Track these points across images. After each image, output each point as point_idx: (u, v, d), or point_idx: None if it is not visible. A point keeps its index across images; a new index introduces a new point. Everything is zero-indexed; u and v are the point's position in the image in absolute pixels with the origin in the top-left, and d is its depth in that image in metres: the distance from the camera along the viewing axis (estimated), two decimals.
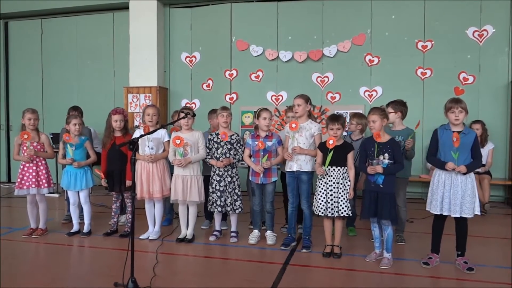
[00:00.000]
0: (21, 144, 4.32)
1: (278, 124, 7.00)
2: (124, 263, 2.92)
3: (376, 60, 6.75)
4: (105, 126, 4.45)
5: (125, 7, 7.53)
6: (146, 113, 4.25)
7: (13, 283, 3.10)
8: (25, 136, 4.19)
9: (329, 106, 6.87)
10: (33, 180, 4.27)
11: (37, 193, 4.32)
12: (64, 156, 4.37)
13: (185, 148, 4.06)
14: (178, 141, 3.99)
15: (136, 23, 7.38)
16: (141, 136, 3.50)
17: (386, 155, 3.44)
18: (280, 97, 7.14)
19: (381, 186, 3.44)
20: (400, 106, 4.06)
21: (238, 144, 4.22)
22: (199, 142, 4.18)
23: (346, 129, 4.46)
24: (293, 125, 3.84)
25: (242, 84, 7.31)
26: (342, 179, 3.64)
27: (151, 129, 4.09)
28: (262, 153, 4.04)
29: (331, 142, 3.59)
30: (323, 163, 3.68)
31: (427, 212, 3.51)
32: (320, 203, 3.67)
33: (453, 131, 3.28)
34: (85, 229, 4.44)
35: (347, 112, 6.52)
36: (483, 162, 5.76)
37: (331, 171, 3.65)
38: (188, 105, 7.32)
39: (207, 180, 4.30)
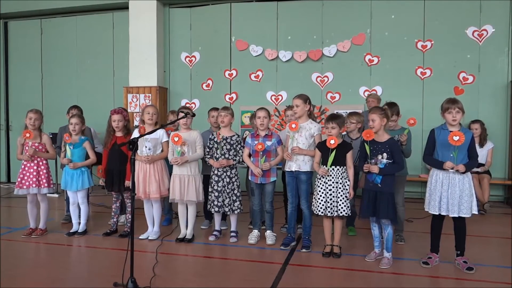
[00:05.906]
0: (23, 144, 4.33)
1: (278, 124, 7.01)
2: (124, 263, 2.92)
3: (375, 60, 6.75)
4: (106, 126, 4.45)
5: (125, 7, 7.53)
6: (146, 111, 4.26)
7: (13, 283, 3.10)
8: (27, 135, 4.20)
9: (328, 106, 6.87)
10: (34, 179, 4.28)
11: (37, 192, 4.33)
12: (65, 156, 4.38)
13: (182, 147, 4.05)
14: (176, 139, 3.96)
15: (136, 23, 7.38)
16: (141, 136, 3.51)
17: (385, 154, 3.44)
18: (280, 97, 7.14)
19: (379, 185, 3.44)
20: (395, 107, 4.09)
21: (239, 146, 4.22)
22: (196, 141, 4.19)
23: (348, 128, 4.45)
24: (293, 126, 3.84)
25: (242, 84, 7.31)
26: (341, 178, 3.65)
27: (149, 129, 4.09)
28: (261, 153, 4.04)
29: (332, 142, 3.58)
30: (324, 163, 3.68)
31: (427, 212, 3.50)
32: (320, 203, 3.67)
33: (451, 131, 3.28)
34: (80, 228, 4.45)
35: (346, 112, 6.50)
36: (483, 162, 5.78)
37: (331, 171, 3.65)
38: (187, 105, 7.32)
39: (207, 180, 4.30)
